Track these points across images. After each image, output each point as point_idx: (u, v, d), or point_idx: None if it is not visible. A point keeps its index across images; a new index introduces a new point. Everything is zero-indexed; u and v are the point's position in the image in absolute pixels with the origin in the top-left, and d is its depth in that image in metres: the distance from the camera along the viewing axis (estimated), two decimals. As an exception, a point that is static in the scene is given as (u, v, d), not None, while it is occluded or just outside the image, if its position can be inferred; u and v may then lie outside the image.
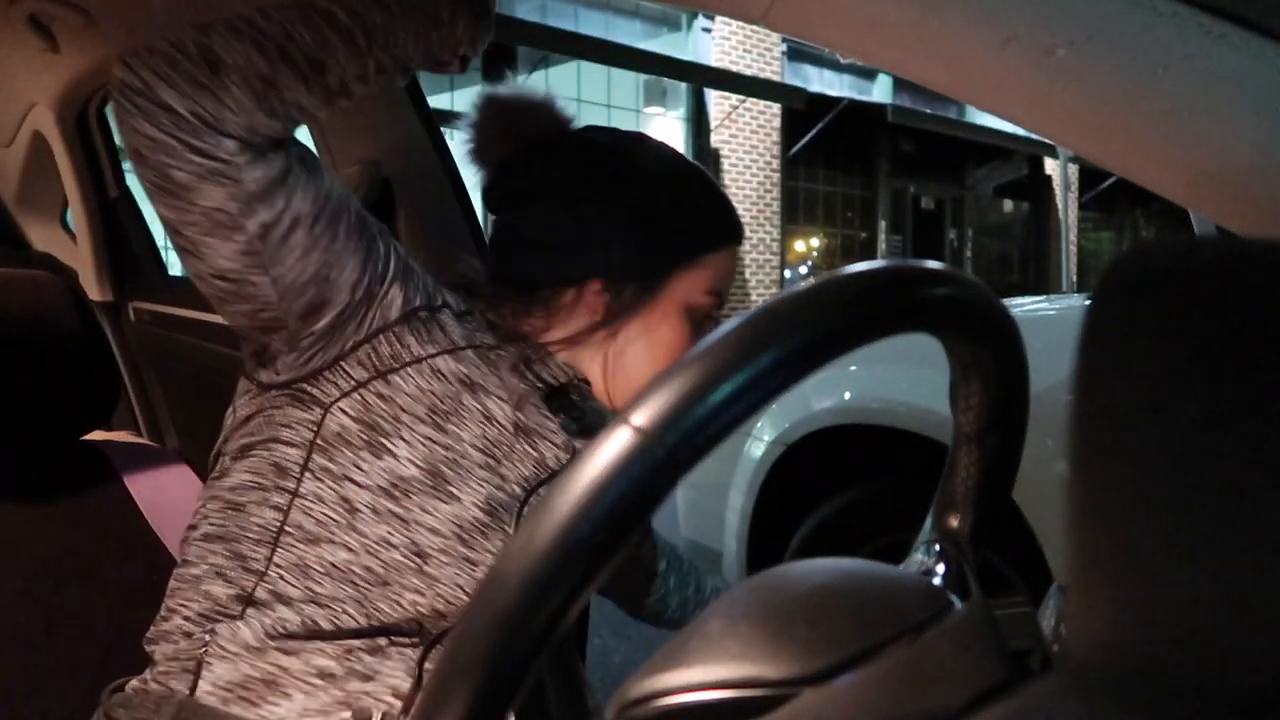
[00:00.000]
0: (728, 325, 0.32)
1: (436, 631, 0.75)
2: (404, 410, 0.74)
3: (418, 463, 0.74)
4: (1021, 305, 1.97)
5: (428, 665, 0.75)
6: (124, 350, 1.83)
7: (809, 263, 12.12)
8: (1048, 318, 1.84)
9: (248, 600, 0.74)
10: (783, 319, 0.31)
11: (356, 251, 0.73)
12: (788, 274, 11.49)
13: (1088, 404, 0.23)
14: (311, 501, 0.74)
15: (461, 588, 0.75)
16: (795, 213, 11.77)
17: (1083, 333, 0.24)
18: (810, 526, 1.93)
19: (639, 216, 0.82)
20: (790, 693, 0.32)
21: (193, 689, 0.72)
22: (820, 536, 1.90)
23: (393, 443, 0.74)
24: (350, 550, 0.73)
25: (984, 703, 0.31)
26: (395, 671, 0.74)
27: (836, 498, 1.92)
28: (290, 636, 0.72)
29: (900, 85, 11.44)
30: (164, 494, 1.08)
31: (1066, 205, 12.52)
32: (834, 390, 1.86)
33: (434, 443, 0.74)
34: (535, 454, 0.80)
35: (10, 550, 0.94)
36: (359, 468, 0.74)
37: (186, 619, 0.75)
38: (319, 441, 0.74)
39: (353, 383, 0.74)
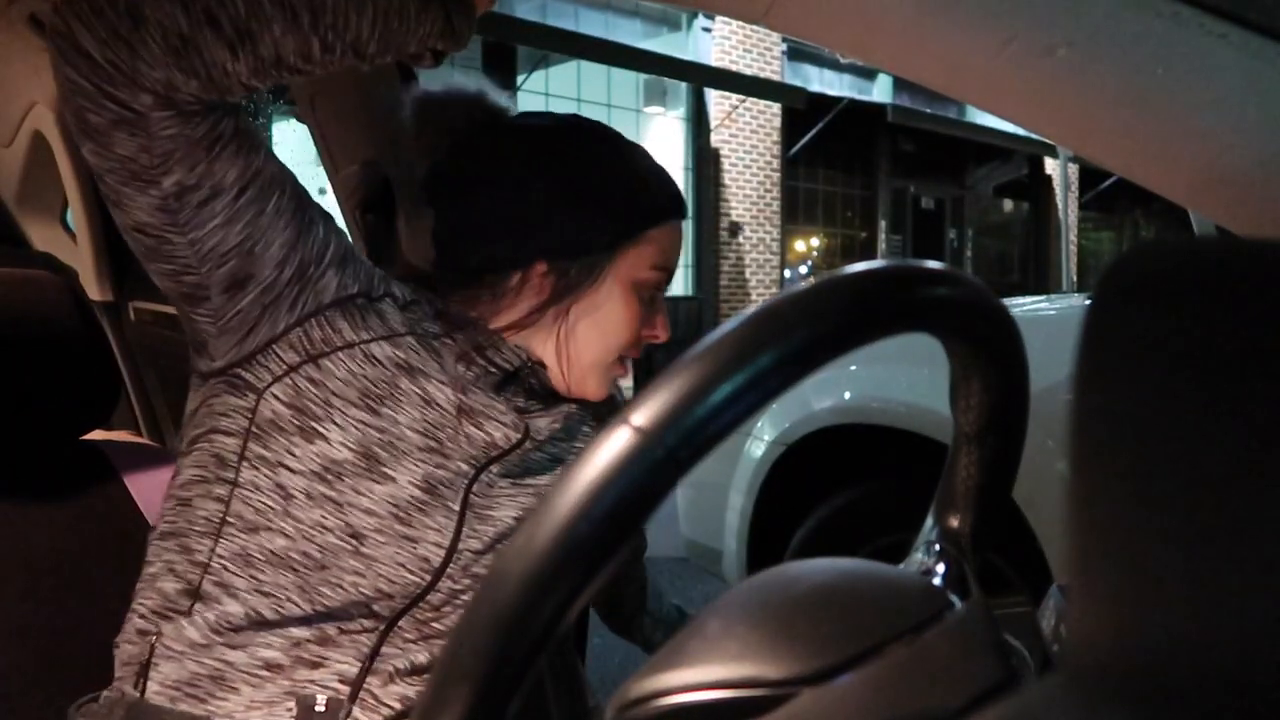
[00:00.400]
0: (728, 325, 0.32)
1: (390, 614, 0.75)
2: (335, 394, 0.74)
3: (350, 445, 0.74)
4: (1021, 305, 1.97)
5: (385, 650, 0.75)
6: (124, 350, 1.83)
7: (809, 262, 12.11)
8: (1048, 318, 1.84)
9: (194, 594, 0.74)
10: (783, 319, 0.31)
11: (286, 230, 0.73)
12: (787, 274, 11.49)
13: (1087, 404, 0.23)
14: (250, 491, 0.74)
15: (402, 565, 0.75)
16: (795, 212, 11.77)
17: (1082, 333, 0.24)
18: (810, 526, 1.93)
19: (577, 195, 0.82)
20: (790, 693, 0.32)
21: (142, 690, 0.73)
22: (820, 536, 1.91)
23: (324, 426, 0.74)
24: (287, 536, 0.73)
25: (984, 703, 0.31)
26: (345, 658, 0.74)
27: (836, 498, 1.92)
28: (236, 630, 0.73)
29: (900, 85, 11.44)
30: (164, 494, 1.08)
31: (1066, 205, 12.51)
32: (834, 390, 1.86)
33: (367, 425, 0.74)
34: (483, 435, 0.79)
35: (10, 550, 0.94)
36: (292, 454, 0.74)
37: (142, 617, 0.76)
38: (254, 429, 0.74)
39: (284, 366, 0.74)
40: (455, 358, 0.82)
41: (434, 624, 0.77)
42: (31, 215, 1.83)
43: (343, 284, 0.77)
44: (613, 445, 0.29)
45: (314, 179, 1.37)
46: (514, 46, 8.46)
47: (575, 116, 0.88)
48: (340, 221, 0.85)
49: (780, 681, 0.32)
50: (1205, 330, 0.21)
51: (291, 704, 0.72)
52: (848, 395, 1.84)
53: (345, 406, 0.74)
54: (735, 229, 10.59)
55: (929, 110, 11.60)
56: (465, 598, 0.78)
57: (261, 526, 0.74)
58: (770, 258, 11.03)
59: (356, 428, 0.74)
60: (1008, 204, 15.32)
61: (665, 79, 9.75)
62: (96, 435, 1.11)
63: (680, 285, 10.37)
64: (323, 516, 0.73)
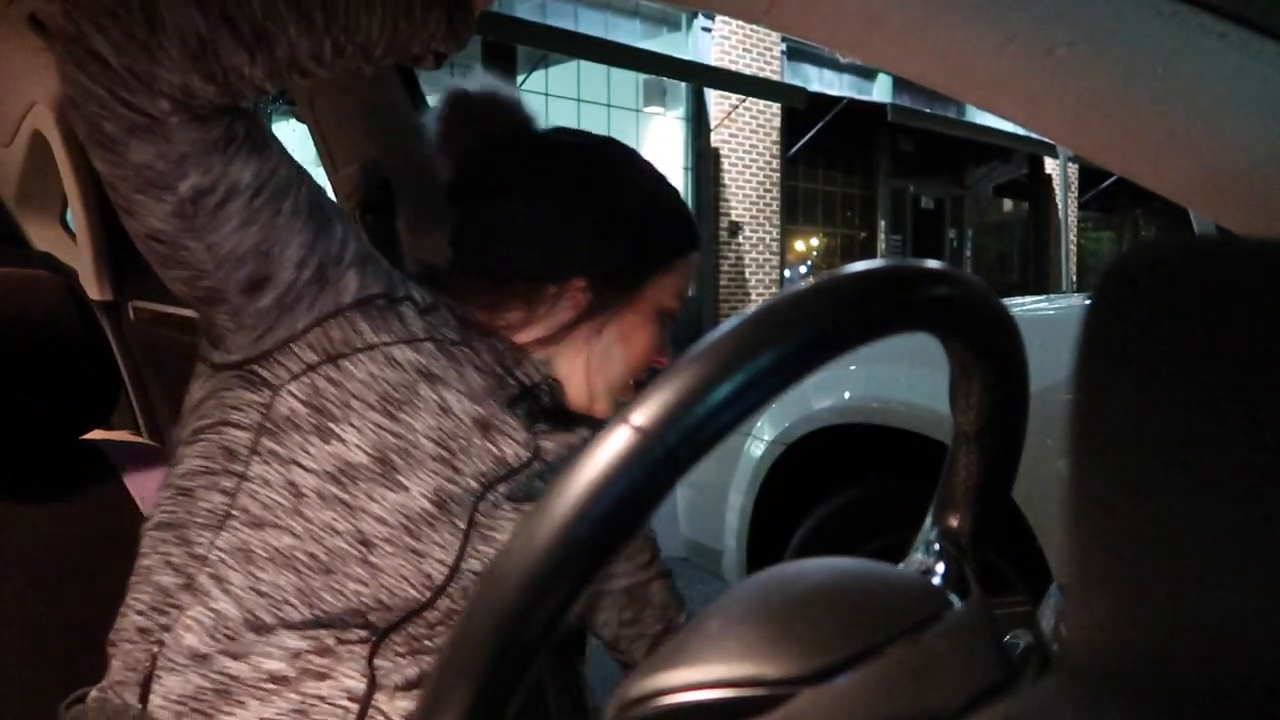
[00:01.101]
0: (728, 324, 0.32)
1: (383, 626, 0.74)
2: (354, 396, 0.73)
3: (366, 449, 0.72)
4: (1021, 305, 1.97)
5: (378, 662, 0.73)
6: (124, 350, 1.83)
7: (808, 262, 12.11)
8: (1048, 318, 1.84)
9: (189, 588, 0.72)
10: (783, 318, 0.31)
11: (303, 230, 0.72)
12: (787, 273, 11.49)
13: (1087, 403, 0.23)
14: (258, 485, 0.72)
15: (406, 579, 0.73)
16: (795, 212, 11.77)
17: (1082, 332, 0.24)
18: (810, 526, 1.93)
19: (629, 219, 0.84)
20: (790, 692, 0.32)
21: (144, 701, 0.71)
22: (820, 536, 1.90)
23: (341, 428, 0.72)
24: (295, 535, 0.72)
25: (983, 703, 0.31)
26: (350, 672, 0.72)
27: (836, 498, 1.92)
28: (233, 637, 0.71)
29: (900, 85, 11.43)
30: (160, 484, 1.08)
31: (1066, 205, 12.51)
32: (834, 390, 1.86)
33: (384, 430, 0.73)
34: (494, 450, 0.78)
35: (10, 550, 0.94)
36: (307, 452, 0.72)
37: (139, 614, 0.74)
38: (267, 424, 0.73)
39: (303, 365, 0.73)
40: (474, 368, 0.80)
41: (425, 641, 0.76)
42: (31, 215, 1.83)
43: (364, 284, 0.76)
44: (613, 445, 0.29)
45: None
46: (514, 46, 8.46)
47: (608, 138, 0.89)
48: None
49: (780, 681, 0.32)
50: (1205, 330, 0.21)
51: None
52: (848, 395, 1.84)
53: (364, 410, 0.73)
54: (735, 229, 10.58)
55: (929, 110, 11.60)
56: None
57: (268, 522, 0.72)
58: (770, 258, 11.03)
59: (374, 431, 0.73)
60: (1007, 204, 15.32)
61: (665, 79, 9.75)
62: (96, 435, 1.11)
63: (680, 285, 10.35)
64: (334, 519, 0.72)
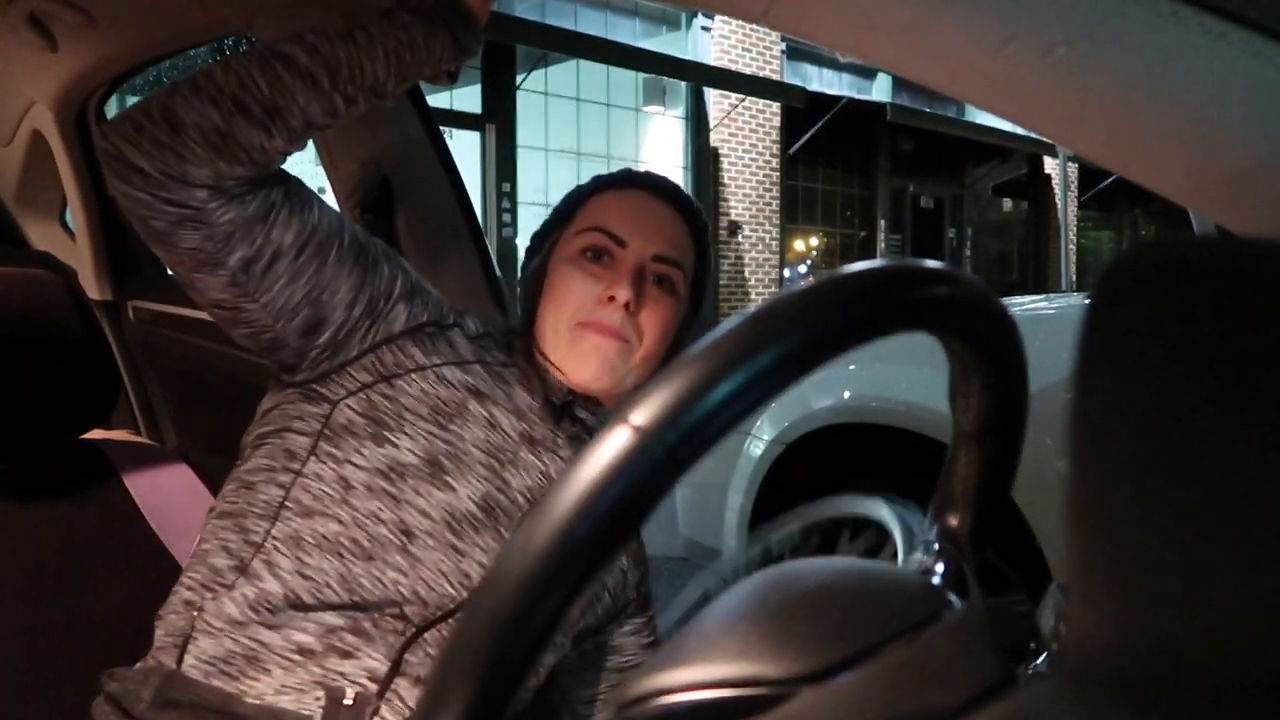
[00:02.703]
0: (727, 324, 0.32)
1: (419, 622, 0.75)
2: (407, 409, 0.79)
3: (417, 453, 0.78)
4: (1021, 305, 1.98)
5: (409, 656, 0.75)
6: (123, 350, 1.83)
7: (808, 262, 12.10)
8: (1047, 317, 1.84)
9: (242, 570, 0.76)
10: (783, 318, 0.31)
11: (350, 275, 0.79)
12: (787, 273, 11.48)
13: (1087, 403, 0.23)
14: (312, 479, 0.78)
15: (445, 575, 0.76)
16: (795, 211, 11.75)
17: (1082, 331, 0.24)
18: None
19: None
20: (789, 691, 0.32)
21: (179, 662, 0.75)
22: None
23: (395, 435, 0.78)
24: (340, 523, 0.76)
25: (983, 702, 0.31)
26: (375, 654, 0.74)
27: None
28: (273, 610, 0.74)
29: (900, 84, 11.43)
30: (163, 493, 1.08)
31: (1066, 204, 12.52)
32: (833, 389, 1.86)
33: (435, 437, 0.78)
34: (539, 465, 0.82)
35: (9, 549, 0.94)
36: (360, 453, 0.78)
37: (189, 589, 0.78)
38: (326, 431, 0.79)
39: (358, 384, 0.80)
40: (522, 387, 0.86)
41: None
42: (31, 214, 1.83)
43: (413, 314, 0.83)
44: (612, 444, 0.29)
45: (314, 179, 1.37)
46: (513, 46, 8.45)
47: None
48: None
49: (780, 680, 0.32)
50: (1204, 329, 0.21)
51: (320, 693, 0.72)
52: (847, 394, 1.84)
53: (416, 420, 0.79)
54: (734, 228, 10.58)
55: (928, 109, 11.59)
56: None
57: (317, 512, 0.77)
58: (770, 257, 11.02)
59: (425, 438, 0.78)
60: (1007, 203, 15.31)
61: (664, 78, 9.74)
62: (96, 435, 1.11)
63: (680, 284, 10.32)
64: (379, 508, 0.76)
